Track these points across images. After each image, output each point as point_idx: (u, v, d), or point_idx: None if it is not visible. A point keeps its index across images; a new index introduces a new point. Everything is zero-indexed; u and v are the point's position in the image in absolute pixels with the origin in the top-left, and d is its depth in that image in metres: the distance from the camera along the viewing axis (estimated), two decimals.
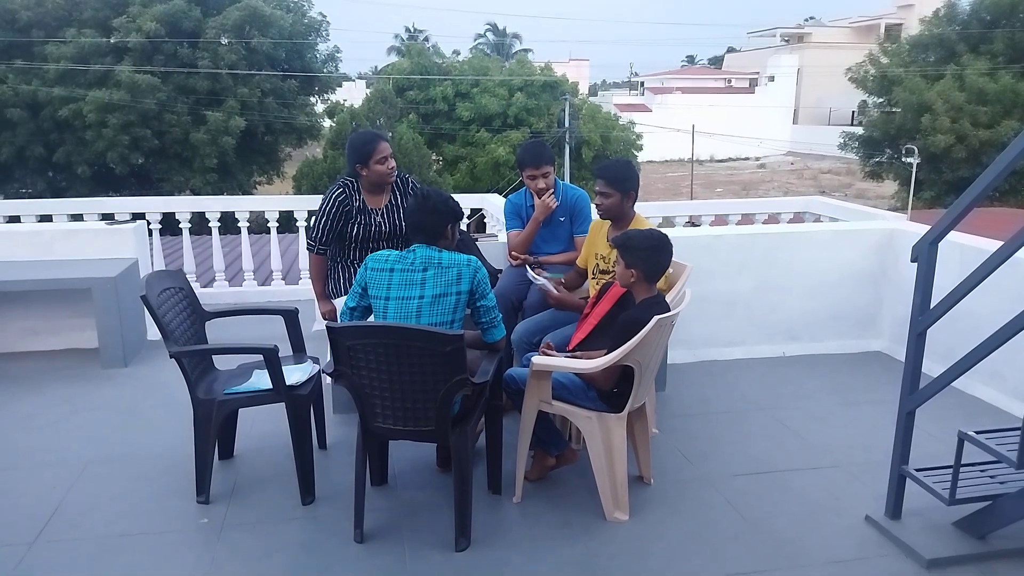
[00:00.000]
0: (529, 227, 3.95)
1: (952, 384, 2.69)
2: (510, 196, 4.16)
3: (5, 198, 22.14)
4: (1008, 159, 2.42)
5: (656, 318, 2.77)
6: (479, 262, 2.83)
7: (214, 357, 3.46)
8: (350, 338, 2.61)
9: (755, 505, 3.14)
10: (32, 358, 4.91)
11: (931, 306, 2.72)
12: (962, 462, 2.65)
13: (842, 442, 3.73)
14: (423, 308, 2.74)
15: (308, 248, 3.76)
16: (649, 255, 2.99)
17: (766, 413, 4.07)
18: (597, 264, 3.68)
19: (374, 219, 3.68)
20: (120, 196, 21.39)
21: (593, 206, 3.94)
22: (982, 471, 2.81)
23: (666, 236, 3.05)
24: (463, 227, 6.50)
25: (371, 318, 2.89)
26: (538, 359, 2.92)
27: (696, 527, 2.99)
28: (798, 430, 3.87)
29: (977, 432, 2.57)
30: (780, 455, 3.60)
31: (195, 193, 22.34)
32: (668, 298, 3.28)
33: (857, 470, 3.43)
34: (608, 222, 3.61)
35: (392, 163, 3.60)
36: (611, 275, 3.58)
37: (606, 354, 2.86)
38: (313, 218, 3.75)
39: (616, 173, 3.47)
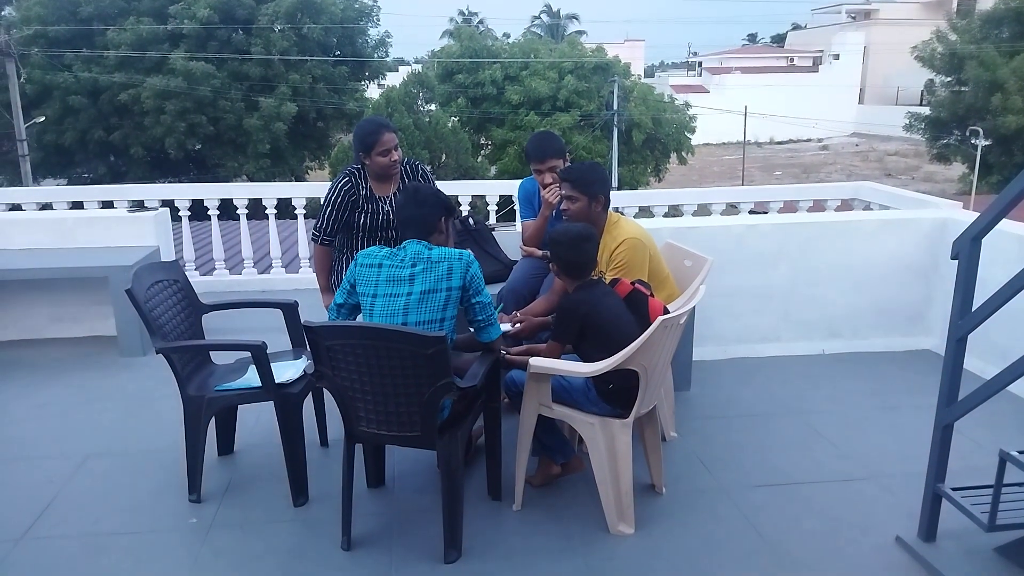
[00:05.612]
0: (538, 221, 3.76)
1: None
2: (522, 182, 3.95)
3: (69, 182, 22.96)
4: None
5: (660, 319, 2.55)
6: (472, 256, 2.65)
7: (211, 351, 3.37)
8: (329, 338, 2.47)
9: (774, 521, 2.89)
10: (55, 344, 4.94)
11: (973, 308, 2.44)
12: (1005, 481, 2.37)
13: (879, 451, 3.43)
14: (410, 306, 2.57)
15: (312, 239, 3.64)
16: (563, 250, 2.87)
17: (797, 417, 3.79)
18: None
19: (382, 207, 3.55)
20: (178, 180, 21.96)
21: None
22: None
23: (588, 229, 2.94)
24: (492, 219, 6.35)
25: (360, 316, 2.75)
26: (535, 361, 2.72)
27: (706, 544, 2.76)
28: (831, 436, 3.59)
29: (1020, 452, 2.28)
30: (808, 464, 3.33)
31: (250, 178, 22.75)
32: (686, 294, 3.05)
33: (892, 483, 3.14)
34: None
35: (395, 155, 3.45)
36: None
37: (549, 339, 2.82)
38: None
39: (582, 175, 3.19)
